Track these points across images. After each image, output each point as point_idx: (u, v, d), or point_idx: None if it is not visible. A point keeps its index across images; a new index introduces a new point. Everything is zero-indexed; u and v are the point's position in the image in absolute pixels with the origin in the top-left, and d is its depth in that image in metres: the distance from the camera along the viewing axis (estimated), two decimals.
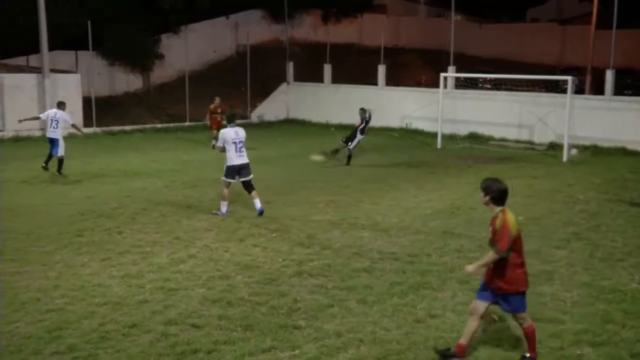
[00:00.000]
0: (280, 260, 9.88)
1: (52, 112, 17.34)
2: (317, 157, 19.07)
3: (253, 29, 35.78)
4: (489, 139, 25.08)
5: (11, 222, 12.23)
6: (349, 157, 19.39)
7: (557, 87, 25.84)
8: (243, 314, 7.74)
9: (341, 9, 40.72)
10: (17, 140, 24.47)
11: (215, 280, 8.97)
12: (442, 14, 48.55)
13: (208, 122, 23.64)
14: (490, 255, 6.37)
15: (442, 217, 12.80)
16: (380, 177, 17.40)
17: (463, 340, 6.54)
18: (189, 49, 31.51)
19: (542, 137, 24.07)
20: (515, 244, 6.36)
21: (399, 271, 9.37)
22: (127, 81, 33.12)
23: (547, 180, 16.98)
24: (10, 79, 26.09)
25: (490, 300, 6.50)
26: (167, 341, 6.97)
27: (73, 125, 18.41)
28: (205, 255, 10.12)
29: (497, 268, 6.36)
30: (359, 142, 19.56)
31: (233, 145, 12.54)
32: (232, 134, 12.63)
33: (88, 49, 28.46)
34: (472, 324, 6.53)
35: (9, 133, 25.00)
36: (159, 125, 28.95)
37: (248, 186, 12.82)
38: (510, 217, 6.40)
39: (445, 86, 25.51)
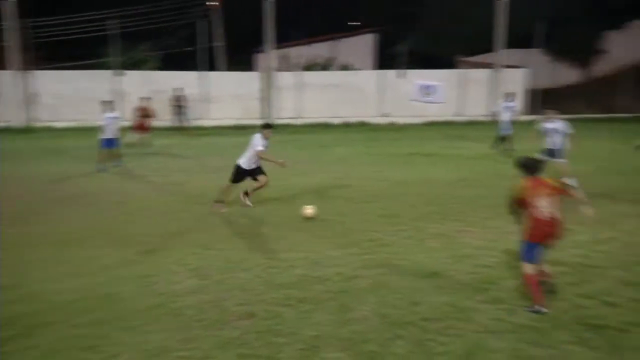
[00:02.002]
0: None
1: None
2: None
3: None
4: None
5: (461, 190, 13.04)
6: None
7: None
8: None
9: None
10: (469, 124, 25.78)
11: (632, 264, 8.16)
12: None
13: None
14: None
15: None
16: None
17: None
18: (633, 43, 28.63)
19: None
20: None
21: None
22: (567, 74, 31.86)
23: None
24: (469, 73, 27.57)
25: None
26: (580, 312, 6.65)
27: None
28: (625, 240, 9.27)
29: None
30: None
31: None
32: None
33: (536, 47, 28.24)
34: None
35: (463, 118, 26.49)
36: (595, 116, 27.15)
37: None
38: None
39: None
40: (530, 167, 6.93)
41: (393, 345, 5.97)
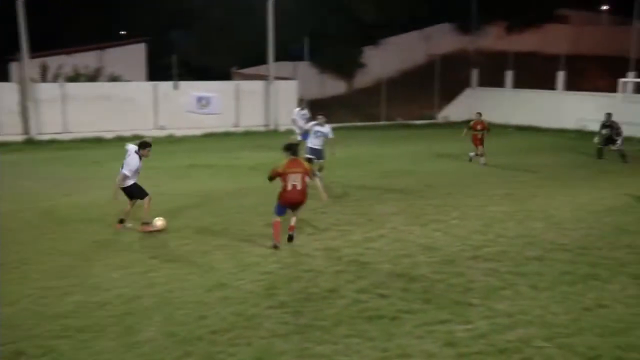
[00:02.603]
0: (458, 244, 9.69)
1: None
2: None
3: (442, 40, 35.32)
4: None
5: (242, 199, 13.19)
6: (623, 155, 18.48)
7: None
8: (423, 288, 7.71)
9: (525, 20, 38.66)
10: (246, 134, 26.32)
11: (400, 257, 9.01)
12: (625, 22, 44.17)
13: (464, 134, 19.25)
14: None
15: (615, 214, 11.74)
16: (556, 174, 16.35)
17: None
18: (386, 59, 31.84)
19: None
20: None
21: (569, 262, 8.77)
22: (333, 86, 34.30)
23: None
24: (244, 85, 28.17)
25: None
26: (358, 307, 7.14)
27: None
28: (393, 236, 10.19)
29: None
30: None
31: None
32: None
33: (304, 60, 29.87)
34: None
35: (240, 129, 27.00)
36: (359, 124, 29.53)
37: None
38: None
39: (624, 90, 23.25)
40: (291, 149, 9.54)
41: None
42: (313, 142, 14.65)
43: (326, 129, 14.55)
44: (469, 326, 6.59)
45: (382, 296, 7.45)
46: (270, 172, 9.46)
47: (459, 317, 6.81)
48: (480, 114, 18.71)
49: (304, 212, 11.86)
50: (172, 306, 7.13)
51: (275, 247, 9.30)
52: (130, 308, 7.08)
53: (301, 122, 18.71)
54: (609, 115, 18.83)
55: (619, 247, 9.50)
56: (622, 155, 18.30)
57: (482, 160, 17.87)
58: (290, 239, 9.64)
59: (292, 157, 9.41)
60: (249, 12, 28.93)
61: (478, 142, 18.08)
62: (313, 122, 15.08)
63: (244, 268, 8.52)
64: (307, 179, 9.40)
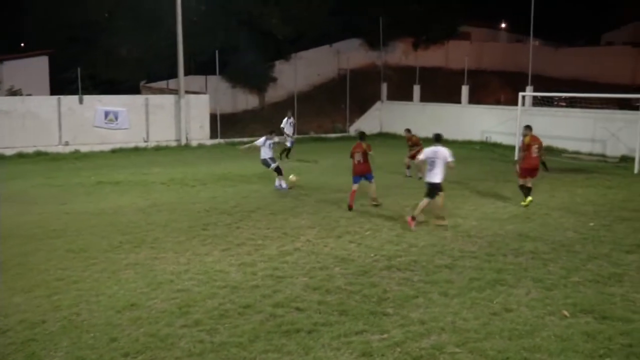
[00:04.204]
0: (372, 255, 9.85)
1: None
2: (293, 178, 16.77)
3: (352, 55, 36.01)
4: (563, 151, 23.99)
5: (153, 216, 12.86)
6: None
7: (629, 105, 24.43)
8: (339, 300, 7.77)
9: (430, 37, 40.22)
10: (157, 149, 25.71)
11: (316, 270, 9.05)
12: (521, 39, 46.87)
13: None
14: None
15: (518, 222, 12.35)
16: (462, 185, 17.00)
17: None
18: (297, 73, 32.11)
19: (614, 150, 22.75)
20: None
21: (477, 268, 9.12)
22: (246, 100, 34.18)
23: (619, 191, 16.04)
24: (154, 99, 27.49)
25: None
26: (275, 321, 7.09)
27: None
28: (308, 249, 10.23)
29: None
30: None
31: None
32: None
33: (216, 74, 29.58)
34: None
35: (151, 144, 26.32)
36: None
37: None
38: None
39: (523, 104, 24.63)
40: (361, 136, 13.94)
41: None
42: (267, 153, 16.24)
43: (277, 139, 16.98)
44: (385, 335, 6.69)
45: (299, 310, 7.44)
46: (352, 151, 13.59)
47: (375, 327, 6.90)
48: (409, 130, 19.10)
49: (219, 227, 11.73)
50: (80, 330, 6.81)
51: (350, 208, 13.20)
52: (34, 334, 6.69)
53: (289, 130, 22.43)
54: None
55: (522, 253, 9.98)
56: (542, 163, 18.97)
57: (409, 172, 18.33)
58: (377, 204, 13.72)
59: (359, 141, 13.58)
60: (158, 24, 28.32)
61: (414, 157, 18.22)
62: (265, 137, 16.35)
63: (157, 286, 8.27)
64: (368, 154, 13.37)
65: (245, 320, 7.12)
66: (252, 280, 8.58)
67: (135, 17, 28.17)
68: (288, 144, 22.41)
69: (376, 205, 13.66)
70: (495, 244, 10.57)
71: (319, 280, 8.56)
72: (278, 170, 16.27)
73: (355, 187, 13.38)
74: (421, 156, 12.08)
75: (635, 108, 21.54)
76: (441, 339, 6.62)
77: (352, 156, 13.53)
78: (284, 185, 16.15)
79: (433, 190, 11.75)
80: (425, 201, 11.80)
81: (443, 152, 11.62)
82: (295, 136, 23.85)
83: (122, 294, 7.97)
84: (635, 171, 19.44)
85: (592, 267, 9.21)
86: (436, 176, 11.68)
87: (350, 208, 13.19)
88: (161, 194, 15.48)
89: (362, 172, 13.48)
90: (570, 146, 24.15)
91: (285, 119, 22.93)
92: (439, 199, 11.88)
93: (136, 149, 25.50)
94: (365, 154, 13.34)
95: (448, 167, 11.67)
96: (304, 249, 10.25)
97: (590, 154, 23.37)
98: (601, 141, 23.44)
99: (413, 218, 11.68)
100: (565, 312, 7.25)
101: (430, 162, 11.72)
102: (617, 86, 36.67)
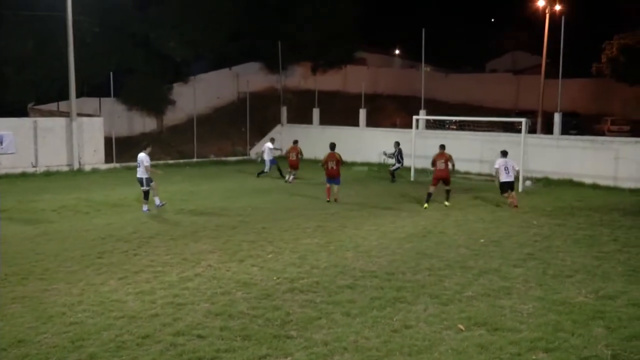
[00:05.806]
0: (275, 278, 9.81)
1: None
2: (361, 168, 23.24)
3: (252, 78, 36.13)
4: (455, 172, 25.12)
5: (43, 245, 12.13)
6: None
7: (513, 128, 26.22)
8: (242, 325, 7.66)
9: (328, 62, 41.11)
10: (48, 174, 24.39)
11: (218, 296, 8.89)
12: (414, 65, 49.03)
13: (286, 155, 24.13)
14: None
15: (415, 240, 12.77)
16: (362, 205, 17.39)
17: None
18: (197, 95, 31.73)
19: None
20: None
21: (378, 287, 9.31)
22: (143, 123, 33.26)
23: (506, 208, 17.02)
24: (43, 122, 26.11)
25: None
26: (176, 350, 6.88)
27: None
28: (210, 274, 10.03)
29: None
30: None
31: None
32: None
33: (110, 96, 28.62)
34: None
35: (41, 169, 24.93)
36: (171, 161, 28.89)
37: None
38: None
39: (417, 127, 25.66)
40: (331, 146, 17.74)
41: None
42: (144, 173, 16.24)
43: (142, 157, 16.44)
44: (288, 359, 6.66)
45: (200, 337, 7.26)
46: (322, 161, 17.78)
47: (278, 351, 6.86)
48: (296, 141, 23.36)
49: (115, 255, 11.26)
50: None
51: (328, 201, 17.43)
52: None
53: (268, 155, 23.93)
54: (397, 143, 23.43)
55: (420, 271, 10.31)
56: (392, 174, 23.05)
57: (291, 177, 22.45)
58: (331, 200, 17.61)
59: (331, 151, 17.62)
60: (48, 43, 27.02)
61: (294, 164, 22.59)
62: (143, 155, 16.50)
63: (47, 320, 7.78)
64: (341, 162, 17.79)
65: (144, 351, 6.85)
66: (151, 309, 8.28)
67: (23, 34, 26.70)
68: (266, 169, 24.06)
69: (336, 201, 17.55)
70: (394, 262, 10.86)
71: (221, 306, 8.40)
72: (146, 195, 16.28)
73: (328, 185, 17.72)
74: (496, 165, 16.90)
75: (518, 131, 23.06)
76: (344, 358, 6.68)
77: (325, 163, 17.51)
78: (146, 207, 16.23)
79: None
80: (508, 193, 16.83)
81: (511, 162, 16.95)
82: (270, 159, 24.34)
83: (8, 330, 7.43)
84: (520, 190, 20.68)
85: (483, 281, 9.67)
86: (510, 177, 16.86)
87: (328, 201, 17.55)
88: (51, 222, 14.66)
89: (333, 176, 17.52)
90: (461, 167, 25.34)
91: (269, 143, 24.55)
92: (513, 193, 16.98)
93: (24, 175, 24.06)
94: (338, 162, 17.50)
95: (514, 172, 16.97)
96: (206, 274, 10.05)
97: (479, 174, 24.67)
98: (489, 162, 24.76)
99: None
100: (461, 326, 7.55)
101: (504, 169, 16.72)
102: (501, 110, 39.16)
